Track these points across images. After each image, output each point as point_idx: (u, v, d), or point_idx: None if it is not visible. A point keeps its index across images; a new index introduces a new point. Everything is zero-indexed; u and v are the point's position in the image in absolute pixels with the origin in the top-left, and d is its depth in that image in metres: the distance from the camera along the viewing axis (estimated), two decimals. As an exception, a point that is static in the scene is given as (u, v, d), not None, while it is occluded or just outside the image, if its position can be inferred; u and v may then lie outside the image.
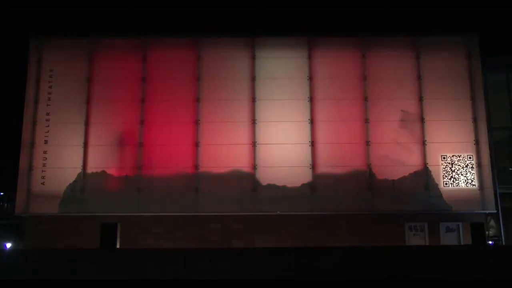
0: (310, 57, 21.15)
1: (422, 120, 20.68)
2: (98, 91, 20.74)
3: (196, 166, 20.18)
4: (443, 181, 20.27)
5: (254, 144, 20.34)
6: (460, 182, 20.27)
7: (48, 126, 20.41)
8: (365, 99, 20.81)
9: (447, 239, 19.90)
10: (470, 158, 20.43)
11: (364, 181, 20.22)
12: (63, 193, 19.93)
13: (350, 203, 19.91)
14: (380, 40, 21.54)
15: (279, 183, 20.06)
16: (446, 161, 20.41)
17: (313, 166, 20.22)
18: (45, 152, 20.23)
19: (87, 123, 20.46)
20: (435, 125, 20.64)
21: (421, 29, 23.10)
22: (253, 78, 20.88)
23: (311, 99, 20.75)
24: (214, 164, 20.14)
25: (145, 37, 21.57)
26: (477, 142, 20.53)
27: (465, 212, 20.05)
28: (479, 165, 20.36)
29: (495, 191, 20.51)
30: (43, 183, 19.98)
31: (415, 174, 20.29)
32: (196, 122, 20.52)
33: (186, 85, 20.81)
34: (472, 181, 20.27)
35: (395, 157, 20.40)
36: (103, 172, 20.13)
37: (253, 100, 20.67)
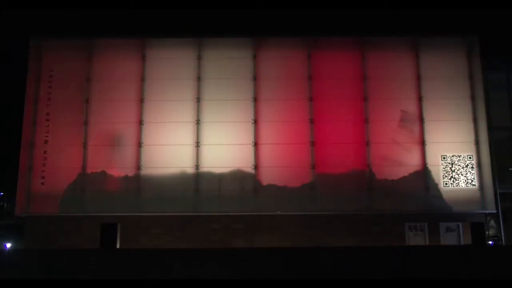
0: (310, 57, 21.16)
1: (422, 120, 20.68)
2: (98, 91, 20.75)
3: (196, 166, 20.19)
4: (443, 181, 20.28)
5: (254, 144, 20.35)
6: (460, 182, 20.27)
7: (48, 126, 20.41)
8: (365, 99, 20.82)
9: (447, 239, 19.91)
10: (470, 158, 20.44)
11: (364, 181, 20.22)
12: (63, 193, 19.93)
13: (350, 203, 19.91)
14: (380, 40, 21.56)
15: (279, 183, 20.07)
16: (446, 161, 20.41)
17: (313, 166, 20.23)
18: (45, 152, 20.22)
19: (87, 123, 20.47)
20: (435, 125, 20.64)
21: (422, 30, 23.07)
22: (253, 78, 20.90)
23: (312, 99, 20.75)
24: (214, 164, 20.15)
25: (145, 37, 21.57)
26: (477, 142, 20.54)
27: (465, 212, 20.06)
28: (479, 165, 20.37)
29: (495, 191, 20.50)
30: (43, 183, 19.97)
31: (415, 174, 20.30)
32: (197, 122, 20.53)
33: (186, 85, 20.80)
34: (472, 181, 20.28)
35: (395, 157, 20.41)
36: (103, 172, 20.14)
37: (254, 100, 20.69)
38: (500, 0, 25.21)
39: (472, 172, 20.33)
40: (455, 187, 20.24)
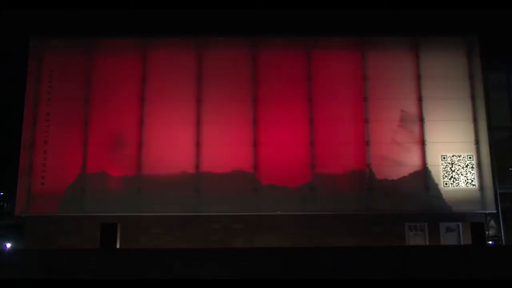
0: (310, 57, 21.16)
1: (422, 120, 20.69)
2: (98, 91, 20.74)
3: (196, 166, 20.18)
4: (443, 181, 20.28)
5: (254, 144, 20.34)
6: (460, 182, 20.28)
7: (48, 126, 20.40)
8: (365, 99, 20.82)
9: (447, 239, 19.92)
10: (470, 158, 20.44)
11: (364, 181, 20.23)
12: (63, 193, 19.93)
13: (350, 203, 19.92)
14: (380, 40, 21.56)
15: (279, 183, 20.06)
16: (446, 161, 20.41)
17: (313, 166, 20.22)
18: (45, 152, 20.22)
19: (87, 123, 20.46)
20: (435, 125, 20.65)
21: (422, 30, 23.11)
22: (253, 78, 20.89)
23: (311, 99, 20.75)
24: (214, 164, 20.14)
25: (145, 37, 21.56)
26: (477, 142, 20.55)
27: (465, 212, 20.07)
28: (479, 165, 20.38)
29: (495, 191, 20.51)
30: (43, 183, 19.97)
31: (415, 174, 20.30)
32: (197, 122, 20.52)
33: (186, 85, 20.80)
34: (472, 181, 20.28)
35: (395, 157, 20.42)
36: (103, 172, 20.13)
37: (254, 100, 20.69)
38: (500, 0, 25.24)
39: (472, 172, 20.34)
40: (455, 187, 20.25)
